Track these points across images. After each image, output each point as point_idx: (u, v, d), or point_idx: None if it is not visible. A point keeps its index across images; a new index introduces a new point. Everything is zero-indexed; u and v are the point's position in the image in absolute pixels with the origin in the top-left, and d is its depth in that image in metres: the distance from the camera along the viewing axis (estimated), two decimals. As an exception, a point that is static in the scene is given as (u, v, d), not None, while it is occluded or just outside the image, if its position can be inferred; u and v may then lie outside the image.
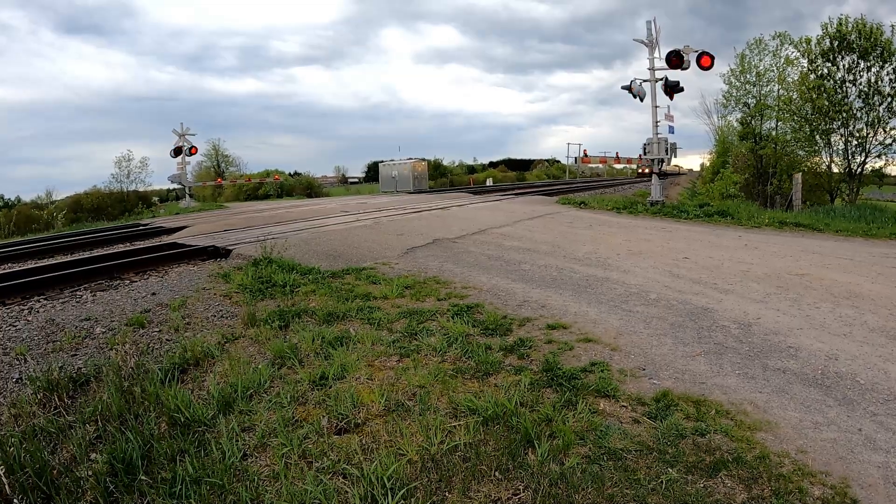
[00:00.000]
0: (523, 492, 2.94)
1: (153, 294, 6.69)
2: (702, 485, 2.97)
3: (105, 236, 13.22)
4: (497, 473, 3.08)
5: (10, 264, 10.11)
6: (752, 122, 29.91)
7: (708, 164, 41.78)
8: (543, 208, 16.20)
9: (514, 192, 25.94)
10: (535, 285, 6.92)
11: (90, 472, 3.31)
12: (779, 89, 28.32)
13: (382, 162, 38.07)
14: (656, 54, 15.82)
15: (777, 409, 3.79)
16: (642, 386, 4.12)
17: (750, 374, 4.34)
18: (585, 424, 3.55)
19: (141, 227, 15.20)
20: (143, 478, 3.22)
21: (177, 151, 24.96)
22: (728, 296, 6.46)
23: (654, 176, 16.91)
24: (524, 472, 3.09)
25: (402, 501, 2.88)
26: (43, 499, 3.17)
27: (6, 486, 3.10)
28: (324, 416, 3.69)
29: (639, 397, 3.93)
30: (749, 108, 29.90)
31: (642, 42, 15.95)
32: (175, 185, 30.39)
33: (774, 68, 28.65)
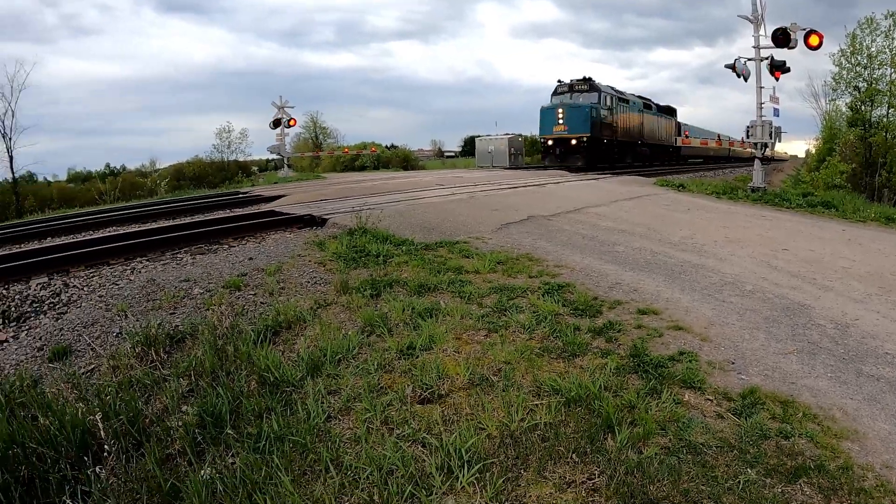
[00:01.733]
0: (598, 477, 2.94)
1: (250, 259, 7.00)
2: (780, 489, 2.88)
3: (205, 203, 13.90)
4: (574, 456, 3.09)
5: (115, 227, 10.87)
6: (863, 107, 27.84)
7: (813, 151, 39.27)
8: (640, 189, 15.68)
9: (610, 171, 25.24)
10: (628, 268, 6.78)
11: (180, 423, 3.56)
12: (892, 73, 26.20)
13: (479, 137, 37.83)
14: (761, 31, 14.85)
15: (867, 418, 3.60)
16: (730, 380, 4.00)
17: (842, 378, 4.12)
18: (668, 415, 3.49)
19: (240, 196, 15.78)
20: (229, 431, 3.43)
21: (276, 123, 25.85)
22: (827, 293, 6.12)
23: (756, 161, 16.06)
24: (601, 457, 3.08)
25: (478, 475, 2.93)
26: (134, 444, 3.43)
27: (101, 431, 3.36)
28: (408, 385, 3.79)
29: (725, 392, 3.83)
30: (859, 92, 27.81)
31: (747, 18, 15.03)
32: (274, 156, 31.50)
33: (887, 50, 26.50)
